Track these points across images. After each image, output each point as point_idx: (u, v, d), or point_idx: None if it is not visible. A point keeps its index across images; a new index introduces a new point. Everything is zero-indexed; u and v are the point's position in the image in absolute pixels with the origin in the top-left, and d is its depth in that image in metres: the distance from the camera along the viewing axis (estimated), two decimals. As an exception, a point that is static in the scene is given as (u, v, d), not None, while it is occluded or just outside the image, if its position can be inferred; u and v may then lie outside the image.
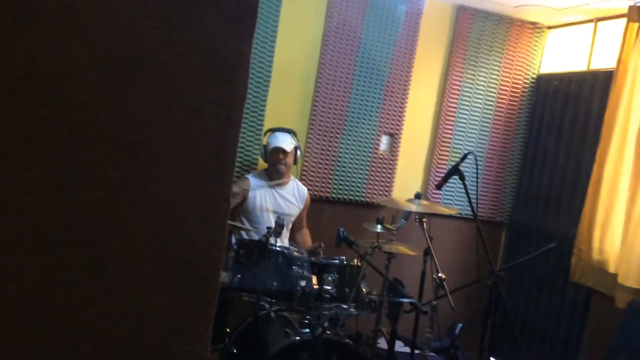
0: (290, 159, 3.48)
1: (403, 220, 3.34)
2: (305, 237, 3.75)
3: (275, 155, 3.44)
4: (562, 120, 4.09)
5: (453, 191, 4.31)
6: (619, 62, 3.49)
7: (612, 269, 3.41)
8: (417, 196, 3.25)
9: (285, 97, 3.86)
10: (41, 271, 0.86)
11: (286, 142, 3.44)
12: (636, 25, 3.41)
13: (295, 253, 2.97)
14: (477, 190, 3.20)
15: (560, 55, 4.33)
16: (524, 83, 4.39)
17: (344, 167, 4.02)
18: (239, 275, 2.90)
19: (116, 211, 0.88)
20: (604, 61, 3.90)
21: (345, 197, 4.06)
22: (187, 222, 0.92)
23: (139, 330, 0.91)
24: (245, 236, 3.35)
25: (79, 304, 0.88)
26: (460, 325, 2.71)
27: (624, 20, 3.50)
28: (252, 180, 3.49)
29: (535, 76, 4.40)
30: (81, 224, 0.87)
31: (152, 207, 0.90)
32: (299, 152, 3.53)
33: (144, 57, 0.88)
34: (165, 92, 0.89)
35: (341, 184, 4.03)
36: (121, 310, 0.90)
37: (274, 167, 3.47)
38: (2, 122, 0.83)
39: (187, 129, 0.90)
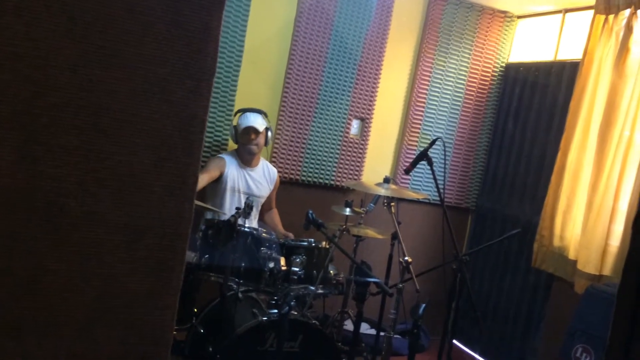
0: (261, 140, 3.47)
1: (372, 204, 3.37)
2: (275, 217, 3.75)
3: (246, 135, 3.42)
4: (528, 109, 4.17)
5: (421, 176, 4.36)
6: (585, 53, 3.57)
7: (572, 255, 3.51)
8: (386, 180, 3.29)
9: (256, 79, 3.83)
10: (3, 239, 0.85)
11: (257, 122, 3.42)
12: (602, 17, 3.48)
13: (264, 234, 2.98)
14: (444, 176, 3.25)
15: (528, 44, 4.40)
16: (493, 71, 4.45)
17: (314, 149, 4.03)
18: (207, 256, 2.90)
19: (79, 179, 0.87)
20: (570, 52, 3.98)
21: (315, 179, 4.07)
22: (153, 192, 0.92)
23: (103, 298, 0.91)
24: (214, 217, 3.34)
25: (41, 270, 0.88)
26: (423, 305, 2.76)
27: (591, 12, 3.57)
28: (227, 160, 3.47)
29: (504, 64, 4.47)
30: (43, 191, 0.86)
31: (117, 176, 0.89)
32: (269, 133, 3.51)
33: (109, 23, 0.86)
34: (130, 60, 0.88)
35: (311, 167, 4.04)
36: (84, 278, 0.89)
37: (246, 148, 3.45)
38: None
39: (153, 99, 0.90)
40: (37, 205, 0.86)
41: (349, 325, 3.54)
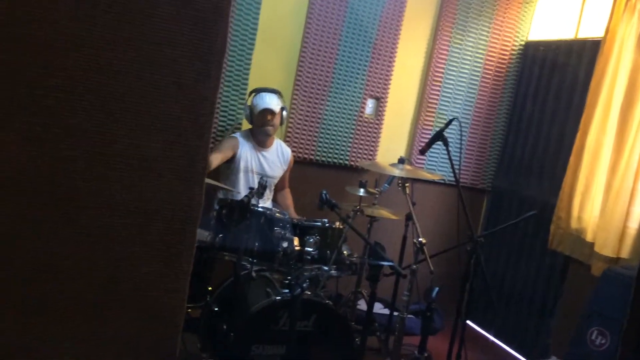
0: (277, 120, 3.45)
1: (386, 185, 3.34)
2: (287, 198, 3.75)
3: (263, 117, 3.39)
4: (547, 89, 4.09)
5: (437, 157, 4.32)
6: (607, 31, 3.47)
7: (589, 237, 3.47)
8: (401, 161, 3.25)
9: (270, 58, 3.80)
10: (12, 222, 0.85)
11: (273, 103, 3.39)
12: (626, -6, 3.38)
13: (277, 214, 2.97)
14: (460, 157, 3.21)
15: (548, 22, 4.30)
16: (512, 49, 4.36)
17: (328, 129, 4.00)
18: (221, 235, 2.90)
19: (87, 162, 0.86)
20: (592, 30, 3.88)
21: (329, 159, 4.05)
22: (162, 176, 0.91)
23: (114, 280, 0.91)
24: (227, 196, 3.34)
25: (50, 253, 0.87)
26: (437, 289, 2.75)
27: (614, -12, 3.47)
28: (240, 140, 3.45)
29: (523, 43, 4.38)
30: (51, 175, 0.85)
31: (126, 159, 0.88)
32: (285, 113, 3.49)
33: (114, 2, 0.84)
34: (137, 41, 0.86)
35: (325, 147, 4.01)
36: (94, 260, 0.89)
37: (262, 129, 3.43)
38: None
39: (161, 81, 0.88)
40: (45, 188, 0.86)
41: (362, 305, 3.54)
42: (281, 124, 3.51)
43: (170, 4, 0.87)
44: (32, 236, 0.86)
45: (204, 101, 0.91)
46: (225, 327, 2.85)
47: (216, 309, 3.01)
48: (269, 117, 3.39)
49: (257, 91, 3.46)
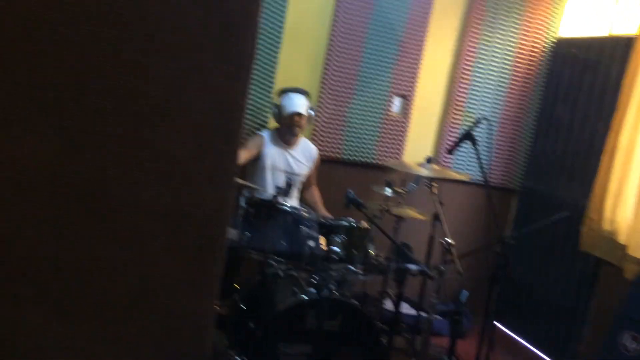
0: (304, 121, 3.46)
1: (413, 184, 3.32)
2: (315, 195, 3.75)
3: (291, 119, 3.40)
4: (579, 87, 4.00)
5: (465, 156, 4.27)
6: (641, 27, 3.39)
7: (622, 239, 3.39)
8: (428, 160, 3.22)
9: (296, 56, 3.80)
10: (47, 226, 0.86)
11: (302, 106, 3.40)
12: (662, -11, 3.29)
13: (304, 213, 2.97)
14: (489, 156, 3.16)
15: (580, 19, 4.21)
16: (542, 47, 4.28)
17: (354, 128, 3.98)
18: (248, 234, 2.92)
19: (121, 166, 0.87)
20: (625, 27, 3.78)
21: (356, 158, 4.03)
22: (192, 180, 0.91)
23: (144, 284, 0.92)
24: (254, 195, 3.35)
25: (85, 257, 0.89)
26: (466, 293, 2.72)
27: (650, -17, 3.38)
28: (267, 138, 3.47)
29: (554, 40, 4.29)
30: (86, 179, 0.86)
31: (157, 163, 0.89)
32: (312, 113, 3.50)
33: (147, 9, 0.85)
34: (169, 46, 0.87)
35: (351, 145, 4.00)
36: (126, 264, 0.90)
37: (289, 130, 3.44)
38: (5, 75, 0.81)
39: (192, 86, 0.88)
40: (80, 192, 0.87)
41: (388, 305, 3.53)
42: (308, 124, 3.52)
43: (201, 10, 0.88)
44: (68, 239, 0.88)
45: (233, 106, 0.91)
46: (252, 325, 2.86)
47: (243, 307, 3.02)
48: (297, 119, 3.40)
49: (286, 91, 3.46)
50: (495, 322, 3.10)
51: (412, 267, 2.66)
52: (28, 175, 0.84)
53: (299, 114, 3.38)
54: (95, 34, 0.84)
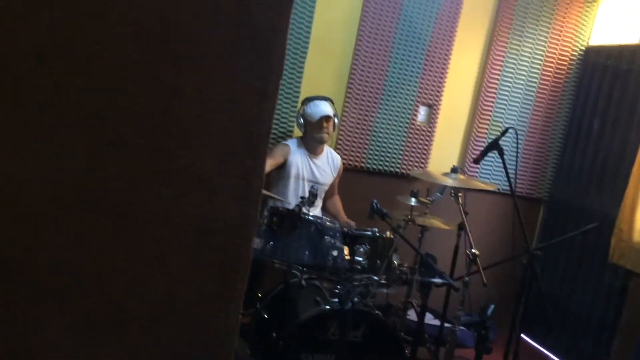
0: (332, 126, 3.46)
1: (438, 194, 3.29)
2: (337, 204, 3.75)
3: (319, 124, 3.40)
4: (609, 96, 3.93)
5: (491, 166, 4.22)
6: (674, 35, 3.32)
7: (653, 251, 3.32)
8: (454, 170, 3.19)
9: (322, 65, 3.80)
10: (70, 239, 0.87)
11: (329, 110, 3.42)
12: (696, -4, 3.22)
13: (327, 223, 2.97)
14: (516, 167, 3.11)
15: (611, 26, 4.13)
16: (572, 55, 4.21)
17: (379, 137, 3.97)
18: (272, 243, 2.92)
19: (144, 179, 0.88)
20: (658, 34, 3.71)
21: (380, 167, 4.02)
22: (217, 195, 0.91)
23: (168, 299, 0.92)
24: (277, 204, 3.36)
25: (108, 272, 0.89)
26: (492, 306, 2.68)
27: (684, -9, 3.31)
28: (292, 147, 3.48)
29: (583, 48, 4.23)
30: (111, 193, 0.87)
31: (182, 178, 0.90)
32: (336, 120, 3.50)
33: (175, 24, 0.86)
34: (197, 61, 0.87)
35: (376, 155, 3.99)
36: (150, 278, 0.91)
37: (317, 136, 3.43)
38: (33, 89, 0.83)
39: (219, 100, 0.89)
40: (105, 205, 0.88)
41: (412, 315, 3.49)
42: (333, 130, 3.52)
43: (231, 25, 0.88)
44: (92, 252, 0.89)
45: (260, 121, 0.91)
46: (274, 334, 2.87)
47: (266, 316, 3.03)
48: (325, 124, 3.40)
49: (310, 100, 3.47)
50: (521, 335, 3.05)
51: (436, 280, 2.63)
52: (52, 188, 0.86)
53: (327, 117, 3.38)
54: (123, 49, 0.85)
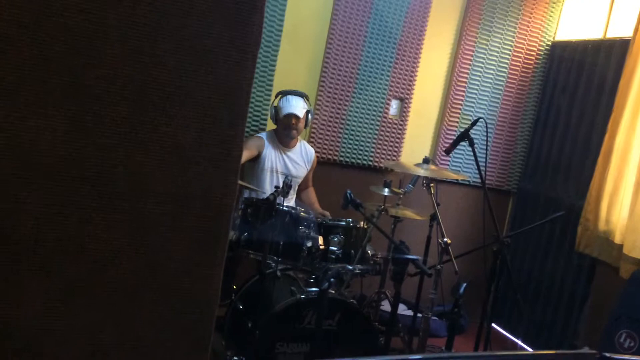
0: (301, 124, 3.46)
1: (410, 185, 3.33)
2: (311, 195, 3.77)
3: (287, 121, 3.40)
4: (575, 89, 4.04)
5: (462, 157, 4.29)
6: (636, 30, 3.42)
7: (618, 239, 3.41)
8: (426, 161, 3.24)
9: (295, 58, 3.82)
10: (55, 206, 0.87)
11: (299, 108, 3.40)
12: (656, -8, 3.33)
13: (302, 213, 2.99)
14: (486, 157, 3.18)
15: (576, 22, 4.25)
16: (538, 50, 4.32)
17: (352, 130, 4.00)
18: (246, 233, 2.93)
19: (127, 149, 0.89)
20: (621, 29, 3.82)
21: (354, 160, 4.05)
22: (197, 164, 0.93)
23: (150, 265, 0.93)
24: (252, 195, 3.36)
25: (92, 238, 0.90)
26: (464, 284, 2.73)
27: (644, -14, 3.42)
28: (266, 140, 3.48)
29: (550, 43, 4.33)
30: (93, 161, 0.88)
31: (163, 147, 0.91)
32: (310, 116, 3.50)
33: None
34: (177, 32, 0.88)
35: (349, 147, 4.02)
36: (132, 246, 0.91)
37: (285, 132, 3.44)
38: (16, 58, 0.83)
39: (199, 71, 0.90)
40: (87, 175, 0.88)
41: (386, 306, 3.53)
42: (306, 126, 3.52)
43: (208, -3, 0.89)
44: (75, 221, 0.89)
45: (239, 91, 0.93)
46: (249, 325, 2.87)
47: (241, 307, 3.03)
48: (294, 122, 3.40)
49: (284, 94, 3.47)
50: (492, 324, 3.11)
51: (410, 257, 2.68)
52: (35, 156, 0.86)
53: (296, 116, 3.38)
54: (103, 20, 0.85)
